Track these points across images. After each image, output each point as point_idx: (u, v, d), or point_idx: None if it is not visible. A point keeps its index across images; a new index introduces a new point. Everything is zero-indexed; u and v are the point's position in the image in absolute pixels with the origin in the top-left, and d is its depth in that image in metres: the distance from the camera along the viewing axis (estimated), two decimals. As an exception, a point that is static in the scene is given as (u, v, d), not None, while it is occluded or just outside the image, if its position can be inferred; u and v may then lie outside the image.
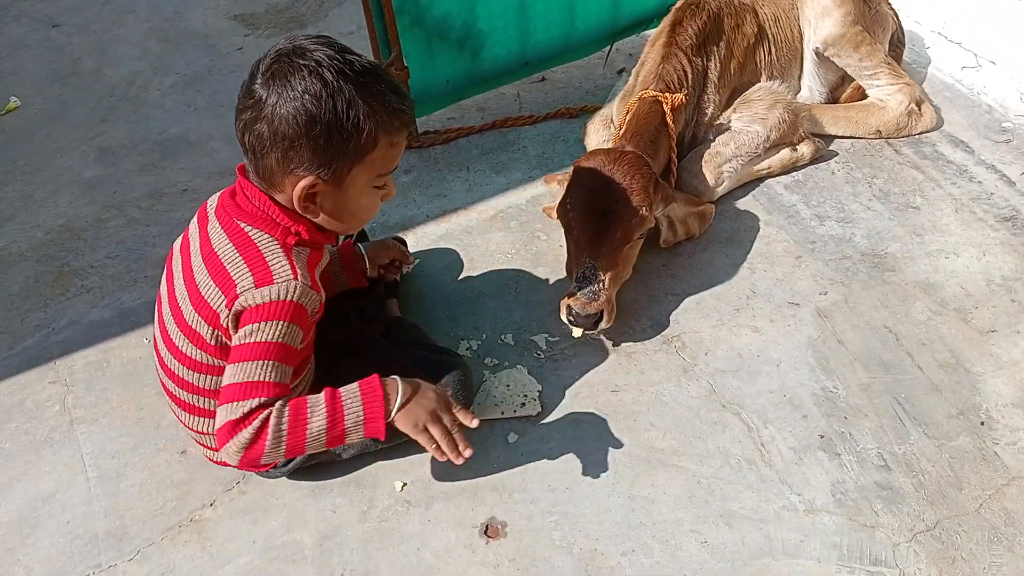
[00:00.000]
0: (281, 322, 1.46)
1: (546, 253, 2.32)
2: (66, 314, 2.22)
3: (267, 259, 1.48)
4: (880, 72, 2.55)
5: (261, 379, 1.43)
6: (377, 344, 1.86)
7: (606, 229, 1.98)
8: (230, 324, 1.48)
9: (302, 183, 1.45)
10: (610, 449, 1.84)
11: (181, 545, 1.71)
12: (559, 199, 2.11)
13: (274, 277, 1.46)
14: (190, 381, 1.62)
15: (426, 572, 1.65)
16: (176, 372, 1.63)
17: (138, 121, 2.98)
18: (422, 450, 1.81)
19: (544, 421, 1.91)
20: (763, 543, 1.66)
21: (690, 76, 2.34)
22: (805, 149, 2.51)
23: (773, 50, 2.54)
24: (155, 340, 1.70)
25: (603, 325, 1.97)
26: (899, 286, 2.16)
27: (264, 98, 1.41)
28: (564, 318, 1.98)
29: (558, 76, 3.02)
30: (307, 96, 1.39)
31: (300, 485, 1.80)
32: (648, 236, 2.14)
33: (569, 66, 2.99)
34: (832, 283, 2.18)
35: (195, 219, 1.63)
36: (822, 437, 1.84)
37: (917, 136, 2.63)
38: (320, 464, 1.81)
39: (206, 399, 1.65)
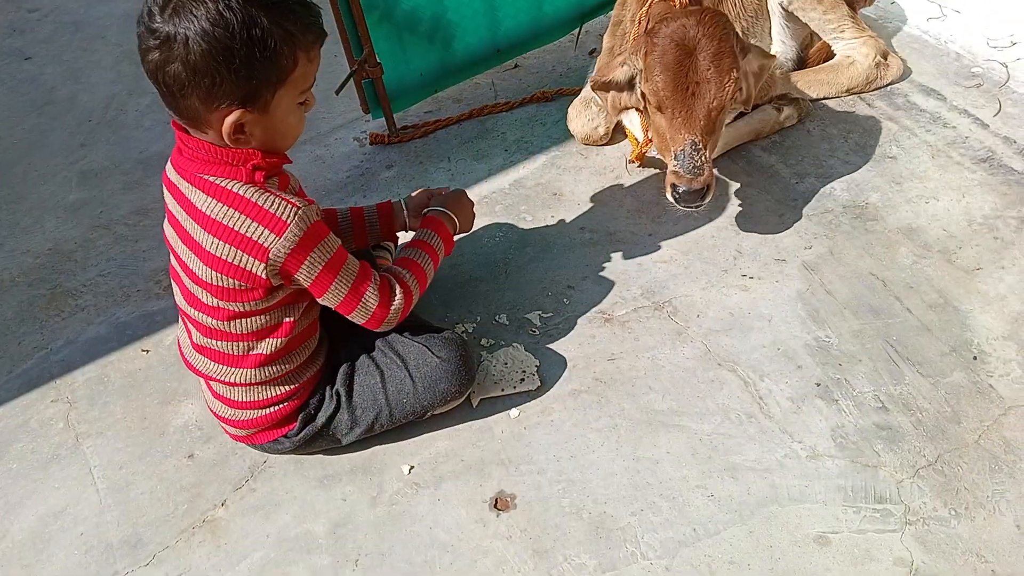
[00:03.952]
0: (320, 244, 1.57)
1: (532, 233, 2.34)
2: (63, 334, 2.23)
3: (265, 207, 1.50)
4: (844, 26, 2.57)
5: (355, 275, 1.64)
6: None
7: (702, 100, 1.93)
8: (271, 275, 1.55)
9: (230, 118, 1.46)
10: (611, 415, 1.86)
11: (196, 546, 1.72)
12: (635, 79, 2.06)
13: (285, 219, 1.51)
14: (225, 330, 1.66)
15: (440, 550, 1.66)
16: (212, 326, 1.66)
17: (118, 143, 2.99)
18: (426, 431, 1.87)
19: (544, 394, 1.93)
20: (768, 491, 1.69)
21: None
22: (790, 109, 2.53)
23: (739, 1, 2.54)
24: (182, 310, 1.74)
25: (708, 199, 1.98)
26: (882, 234, 2.19)
27: (172, 35, 1.38)
28: (669, 196, 1.99)
29: (531, 62, 3.04)
30: (218, 29, 1.36)
31: (308, 477, 1.82)
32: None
33: (541, 51, 3.02)
34: (816, 237, 2.21)
35: (166, 192, 1.65)
36: (818, 385, 1.87)
37: (887, 88, 2.66)
38: (326, 453, 1.84)
39: (244, 343, 1.68)
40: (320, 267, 1.58)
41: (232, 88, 1.42)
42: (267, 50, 1.41)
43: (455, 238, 1.95)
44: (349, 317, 1.69)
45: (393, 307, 1.70)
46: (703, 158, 1.94)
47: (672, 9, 2.10)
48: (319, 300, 1.66)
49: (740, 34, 2.06)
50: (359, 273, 1.65)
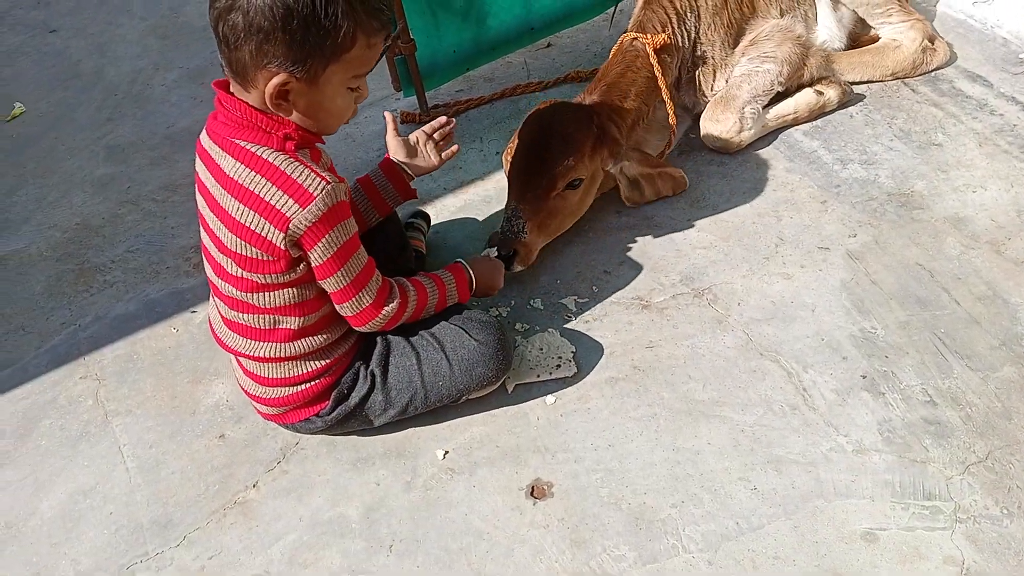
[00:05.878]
0: (339, 225, 1.55)
1: (567, 216, 2.29)
2: (91, 310, 2.20)
3: (293, 177, 1.49)
4: (891, 10, 2.50)
5: (360, 268, 1.61)
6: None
7: (532, 177, 2.04)
8: (289, 246, 1.53)
9: (275, 80, 1.44)
10: (650, 404, 1.82)
11: (228, 527, 1.70)
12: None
13: (312, 192, 1.49)
14: (250, 303, 1.64)
15: (476, 537, 1.63)
16: (237, 298, 1.64)
17: (145, 117, 2.96)
18: (460, 416, 1.83)
19: (581, 381, 1.89)
20: (814, 486, 1.64)
21: (674, 19, 2.30)
22: (832, 93, 2.46)
23: None
24: (211, 283, 1.72)
25: (516, 267, 2.05)
26: (928, 223, 2.13)
27: None
28: None
29: (564, 41, 2.99)
30: None
31: (341, 459, 1.79)
32: (610, 194, 2.24)
33: (575, 30, 2.96)
34: (860, 225, 2.15)
35: (198, 160, 1.64)
36: (864, 377, 1.82)
37: (933, 74, 2.59)
38: (358, 435, 1.81)
39: (270, 316, 1.65)
40: (334, 248, 1.56)
41: (284, 49, 1.41)
42: (328, 18, 1.40)
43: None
44: (337, 307, 1.66)
45: (384, 311, 1.68)
46: (518, 227, 2.03)
47: (638, 55, 2.23)
48: (319, 282, 1.62)
49: (621, 140, 2.15)
50: (365, 266, 1.64)
